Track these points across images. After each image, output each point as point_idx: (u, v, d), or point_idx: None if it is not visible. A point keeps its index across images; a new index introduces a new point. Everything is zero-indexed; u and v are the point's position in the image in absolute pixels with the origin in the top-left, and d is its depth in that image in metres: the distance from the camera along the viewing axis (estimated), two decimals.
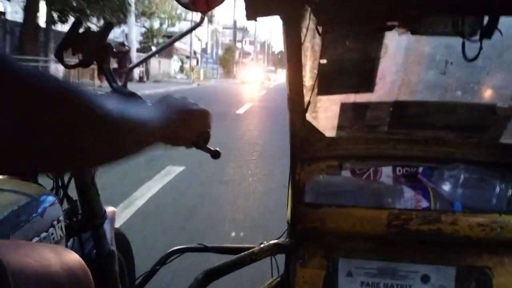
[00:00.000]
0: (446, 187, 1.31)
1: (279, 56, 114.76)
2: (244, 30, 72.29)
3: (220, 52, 58.68)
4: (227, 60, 56.20)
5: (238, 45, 75.30)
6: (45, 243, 0.99)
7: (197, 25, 1.09)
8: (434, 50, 1.35)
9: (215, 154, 0.89)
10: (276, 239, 1.36)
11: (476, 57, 1.15)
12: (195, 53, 41.54)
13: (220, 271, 1.27)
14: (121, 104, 0.51)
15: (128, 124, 0.52)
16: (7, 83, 0.37)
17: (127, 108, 0.51)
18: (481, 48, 1.12)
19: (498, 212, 1.17)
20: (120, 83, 1.05)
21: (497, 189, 1.27)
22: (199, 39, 45.50)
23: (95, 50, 1.02)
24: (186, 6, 0.98)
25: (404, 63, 1.38)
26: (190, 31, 1.20)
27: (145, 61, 1.17)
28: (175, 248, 1.53)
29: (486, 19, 1.17)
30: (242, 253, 1.31)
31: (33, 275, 0.63)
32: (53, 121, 0.41)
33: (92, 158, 0.48)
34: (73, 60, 1.05)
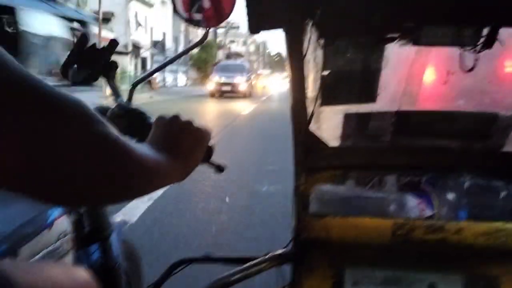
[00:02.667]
0: (450, 195, 1.31)
1: (276, 58, 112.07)
2: (236, 27, 64.88)
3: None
4: (203, 61, 40.87)
5: (233, 46, 69.14)
6: (54, 263, 1.00)
7: (202, 41, 1.11)
8: (435, 60, 1.36)
9: (219, 168, 0.89)
10: (282, 248, 1.36)
11: (473, 68, 1.16)
12: (137, 47, 31.30)
13: (227, 282, 1.27)
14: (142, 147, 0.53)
15: (154, 168, 0.54)
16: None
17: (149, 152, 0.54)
18: (477, 59, 1.13)
19: (502, 220, 1.17)
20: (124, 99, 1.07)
21: (501, 197, 1.27)
22: (139, 24, 31.82)
23: (101, 66, 1.03)
24: (197, 23, 1.00)
25: (405, 73, 1.39)
26: (196, 46, 1.22)
27: (150, 76, 1.19)
28: (182, 258, 1.54)
29: (486, 29, 1.18)
30: (248, 264, 1.31)
31: None
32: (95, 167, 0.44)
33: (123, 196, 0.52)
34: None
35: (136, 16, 32.02)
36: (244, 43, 68.99)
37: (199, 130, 0.67)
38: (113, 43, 1.03)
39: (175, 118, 0.66)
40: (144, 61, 33.29)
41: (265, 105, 19.10)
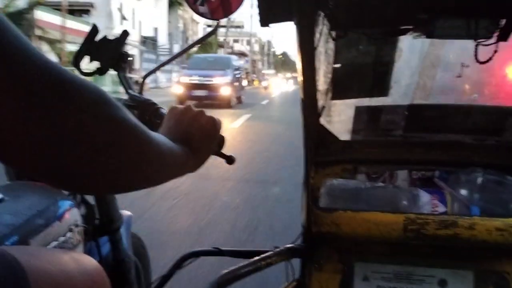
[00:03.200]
0: (463, 191, 1.29)
1: (282, 58, 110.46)
2: (239, 26, 64.20)
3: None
4: None
5: (236, 45, 66.77)
6: (64, 250, 1.01)
7: (212, 32, 1.10)
8: (449, 53, 1.34)
9: (230, 160, 0.90)
10: (291, 243, 1.36)
11: (489, 60, 1.13)
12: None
13: (235, 276, 1.27)
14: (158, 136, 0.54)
15: (169, 156, 0.55)
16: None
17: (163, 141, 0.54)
18: (495, 51, 1.11)
19: None
20: (136, 91, 1.07)
21: None
22: (124, 18, 28.70)
23: (112, 58, 1.03)
24: (202, 15, 0.99)
25: (419, 66, 1.37)
26: (205, 38, 1.21)
27: (158, 68, 1.19)
28: (190, 251, 1.54)
29: (502, 21, 1.16)
30: (257, 257, 1.31)
31: (53, 280, 0.64)
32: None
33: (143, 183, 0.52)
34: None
35: (120, 8, 28.99)
36: (248, 42, 66.31)
37: (210, 121, 0.69)
38: (125, 34, 1.03)
39: (188, 108, 0.69)
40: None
41: (262, 115, 12.91)
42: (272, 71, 63.87)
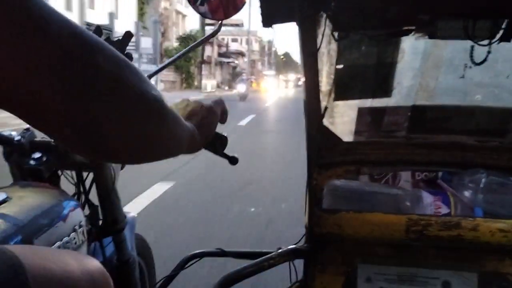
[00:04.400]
0: (466, 192, 1.29)
1: (284, 59, 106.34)
2: (239, 25, 59.01)
3: (166, 44, 32.99)
4: (184, 59, 30.16)
5: (235, 44, 61.82)
6: (66, 250, 1.01)
7: (215, 32, 1.10)
8: (452, 53, 1.34)
9: (233, 160, 0.90)
10: (294, 244, 1.36)
11: (483, 61, 1.14)
12: None
13: (239, 277, 1.27)
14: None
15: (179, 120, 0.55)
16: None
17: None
18: (489, 52, 1.11)
19: None
20: None
21: None
22: None
23: None
24: (203, 14, 0.99)
25: (421, 67, 1.37)
26: (207, 39, 1.21)
27: (159, 71, 1.19)
28: (194, 252, 1.55)
29: (504, 22, 1.16)
30: (261, 258, 1.31)
31: (54, 280, 0.64)
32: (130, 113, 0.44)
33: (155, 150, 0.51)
34: None
35: None
36: (247, 41, 62.00)
37: (209, 106, 0.71)
38: (128, 34, 1.04)
39: (183, 100, 0.71)
40: None
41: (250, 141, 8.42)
42: (272, 72, 61.27)
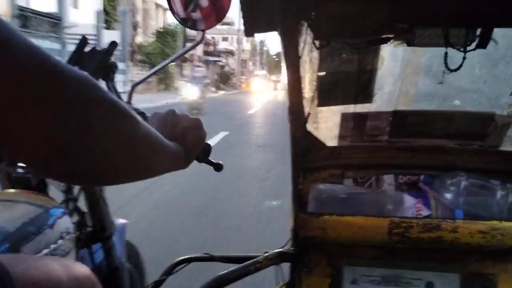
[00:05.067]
0: (447, 195, 1.32)
1: (276, 59, 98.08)
2: (229, 24, 56.76)
3: (141, 39, 27.90)
4: (159, 56, 25.87)
5: (225, 43, 57.07)
6: (53, 257, 1.02)
7: (199, 42, 1.13)
8: (430, 60, 1.37)
9: (218, 167, 0.92)
10: (281, 247, 1.38)
11: (459, 67, 1.17)
12: None
13: (226, 280, 1.29)
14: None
15: (157, 144, 0.55)
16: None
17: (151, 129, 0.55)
18: (464, 58, 1.15)
19: (498, 219, 1.18)
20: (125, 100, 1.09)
21: (498, 197, 1.28)
22: None
23: (100, 68, 1.06)
24: (193, 25, 1.00)
25: (401, 73, 1.40)
26: (193, 47, 1.23)
27: (149, 77, 1.21)
28: (182, 258, 1.56)
29: (479, 30, 1.19)
30: (248, 262, 1.33)
31: (39, 286, 0.64)
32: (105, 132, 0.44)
33: (130, 172, 0.52)
34: None
35: None
36: (238, 40, 58.37)
37: (195, 121, 0.71)
38: (113, 45, 1.06)
39: (171, 112, 0.71)
40: None
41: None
42: (263, 72, 57.84)
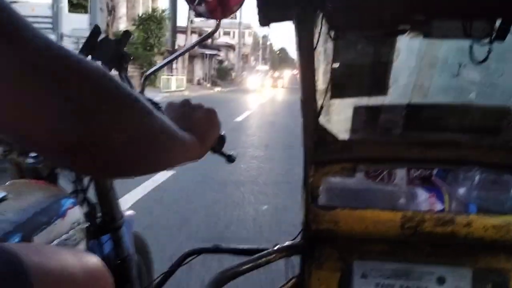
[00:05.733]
0: (461, 189, 1.31)
1: (280, 55, 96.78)
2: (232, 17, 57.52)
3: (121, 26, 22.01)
4: (142, 46, 22.90)
5: (226, 37, 55.61)
6: (65, 247, 1.02)
7: (213, 32, 1.11)
8: (447, 52, 1.36)
9: (230, 158, 0.91)
10: (291, 240, 1.38)
11: (485, 59, 1.15)
12: None
13: (236, 273, 1.29)
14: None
15: (174, 136, 0.55)
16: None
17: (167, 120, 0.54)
18: (490, 51, 1.13)
19: None
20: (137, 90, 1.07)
21: (511, 191, 1.27)
22: None
23: (114, 58, 1.05)
24: (200, 14, 1.00)
25: (416, 66, 1.39)
26: (206, 38, 1.22)
27: (162, 67, 1.20)
28: (192, 249, 1.56)
29: (498, 21, 1.17)
30: (258, 255, 1.33)
31: (54, 276, 0.64)
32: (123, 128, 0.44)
33: (147, 165, 0.51)
34: None
35: None
36: (239, 35, 55.36)
37: (210, 111, 0.70)
38: (127, 34, 1.05)
39: (186, 102, 0.71)
40: None
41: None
42: (265, 68, 55.67)
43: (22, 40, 0.37)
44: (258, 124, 12.01)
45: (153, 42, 23.61)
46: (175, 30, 29.46)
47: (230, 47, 53.89)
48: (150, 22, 23.91)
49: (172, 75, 25.38)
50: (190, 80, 34.36)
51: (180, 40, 31.17)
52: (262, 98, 23.71)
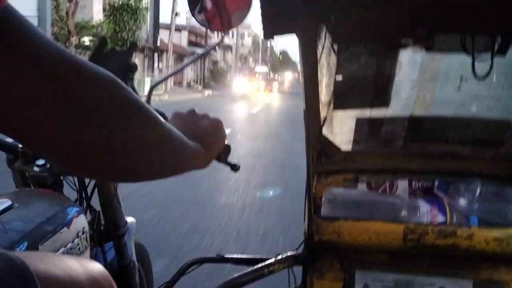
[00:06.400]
0: (462, 201, 1.31)
1: (280, 58, 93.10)
2: None
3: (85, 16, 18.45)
4: (111, 40, 15.99)
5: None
6: (71, 255, 1.02)
7: (218, 44, 1.12)
8: (449, 66, 1.37)
9: (234, 167, 0.92)
10: (293, 250, 1.38)
11: (487, 75, 1.16)
12: None
13: (238, 283, 1.29)
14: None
15: (179, 144, 0.56)
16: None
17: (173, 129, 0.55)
18: (492, 65, 1.14)
19: None
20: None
21: None
22: None
23: (120, 68, 1.06)
24: (201, 23, 1.00)
25: (418, 79, 1.40)
26: (212, 48, 1.23)
27: (168, 78, 1.21)
28: (194, 259, 1.56)
29: (498, 36, 1.19)
30: (260, 265, 1.33)
31: (60, 284, 0.64)
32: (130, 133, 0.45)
33: (152, 171, 0.52)
34: None
35: None
36: (241, 36, 53.25)
37: (216, 121, 0.71)
38: (133, 45, 1.06)
39: (192, 112, 0.72)
40: None
41: None
42: (264, 69, 52.41)
43: (33, 47, 0.38)
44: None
45: (126, 36, 19.83)
46: (158, 24, 25.71)
47: (228, 47, 51.22)
48: (123, 13, 20.09)
49: (152, 76, 22.78)
50: (179, 82, 32.50)
51: (164, 35, 27.13)
52: (253, 106, 19.04)
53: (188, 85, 35.19)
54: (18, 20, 0.38)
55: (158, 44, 25.97)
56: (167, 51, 26.65)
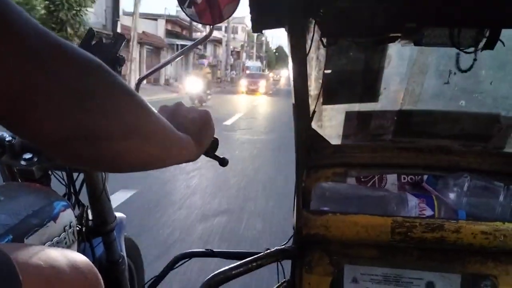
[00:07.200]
0: (451, 195, 1.32)
1: (276, 53, 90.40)
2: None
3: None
4: (59, 29, 15.32)
5: (215, 32, 45.17)
6: (54, 247, 1.02)
7: (207, 36, 1.12)
8: (438, 60, 1.37)
9: (223, 162, 0.92)
10: (282, 244, 1.38)
11: (470, 68, 1.17)
12: None
13: (227, 277, 1.29)
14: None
15: (172, 134, 0.56)
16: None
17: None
18: (475, 59, 1.14)
19: (501, 221, 1.18)
20: None
21: (501, 198, 1.28)
22: None
23: (108, 60, 1.05)
24: (191, 17, 1.00)
25: (407, 73, 1.40)
26: (201, 41, 1.23)
27: (154, 72, 1.20)
28: (183, 253, 1.56)
29: (487, 31, 1.19)
30: (249, 259, 1.33)
31: (43, 275, 0.64)
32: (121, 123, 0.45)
33: (144, 160, 0.52)
34: None
35: None
36: (235, 29, 51.68)
37: (203, 113, 0.71)
38: (121, 37, 1.05)
39: (179, 104, 0.71)
40: None
41: None
42: (257, 64, 48.33)
43: (20, 28, 0.37)
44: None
45: (64, 17, 15.83)
46: (117, 7, 20.93)
47: (218, 41, 46.62)
48: (64, 3, 15.85)
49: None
50: (155, 80, 27.84)
51: (126, 21, 22.34)
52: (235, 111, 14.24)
53: (166, 83, 30.66)
54: (5, 2, 0.37)
55: (120, 30, 20.15)
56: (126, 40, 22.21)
